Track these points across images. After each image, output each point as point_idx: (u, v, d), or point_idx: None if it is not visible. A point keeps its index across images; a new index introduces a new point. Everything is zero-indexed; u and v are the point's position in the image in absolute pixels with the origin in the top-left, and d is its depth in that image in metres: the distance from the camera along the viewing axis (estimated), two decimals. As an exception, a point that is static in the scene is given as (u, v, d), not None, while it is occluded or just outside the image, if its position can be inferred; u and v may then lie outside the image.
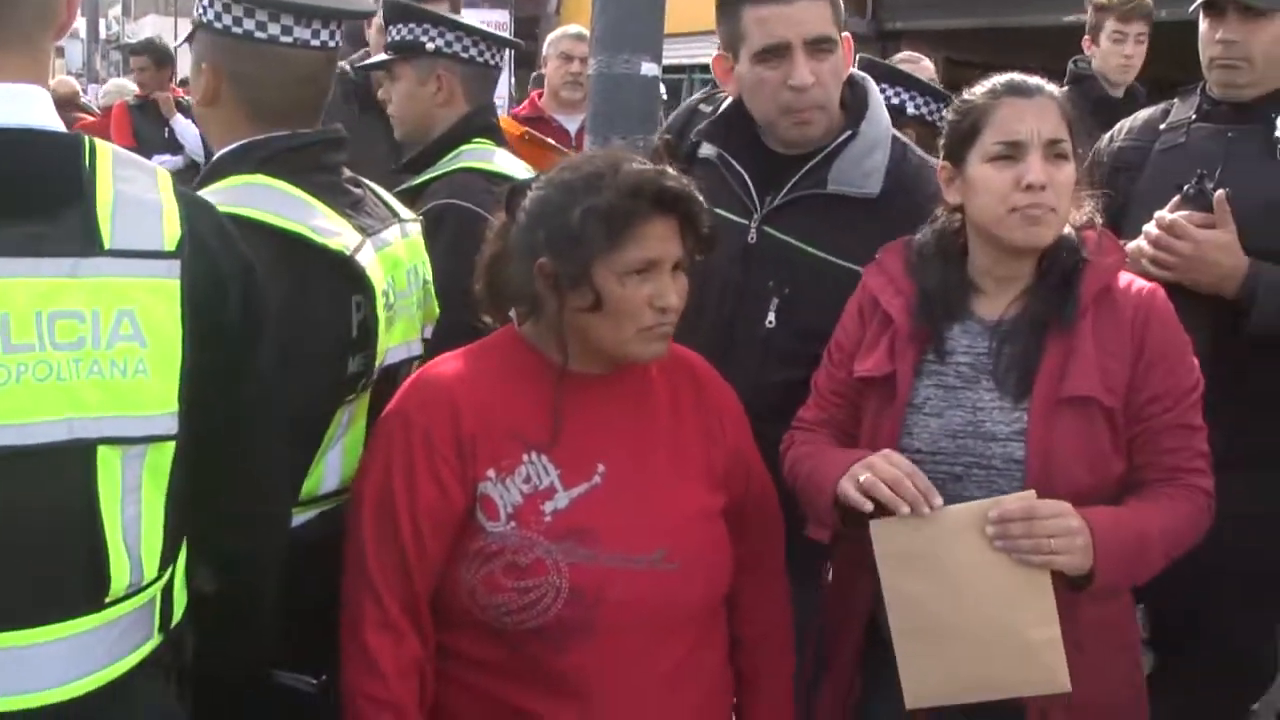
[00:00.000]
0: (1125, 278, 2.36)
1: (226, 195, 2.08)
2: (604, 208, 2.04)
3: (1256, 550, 2.96)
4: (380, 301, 2.25)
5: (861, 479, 2.18)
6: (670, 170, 2.14)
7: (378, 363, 2.29)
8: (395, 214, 2.46)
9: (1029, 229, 2.25)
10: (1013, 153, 2.25)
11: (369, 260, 2.24)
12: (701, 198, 2.14)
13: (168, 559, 1.82)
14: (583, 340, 2.13)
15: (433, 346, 2.44)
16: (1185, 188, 2.86)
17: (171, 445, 1.75)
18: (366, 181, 2.43)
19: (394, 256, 2.36)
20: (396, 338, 2.35)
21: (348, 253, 2.19)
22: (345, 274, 2.21)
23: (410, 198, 2.93)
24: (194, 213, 1.81)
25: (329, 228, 2.20)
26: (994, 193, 2.26)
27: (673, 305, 2.09)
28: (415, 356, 2.45)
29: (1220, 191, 2.81)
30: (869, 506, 2.17)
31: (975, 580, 2.16)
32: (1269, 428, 2.89)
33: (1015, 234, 2.26)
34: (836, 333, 2.48)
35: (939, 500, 2.16)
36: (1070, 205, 2.31)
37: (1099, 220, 2.40)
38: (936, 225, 2.43)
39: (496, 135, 3.27)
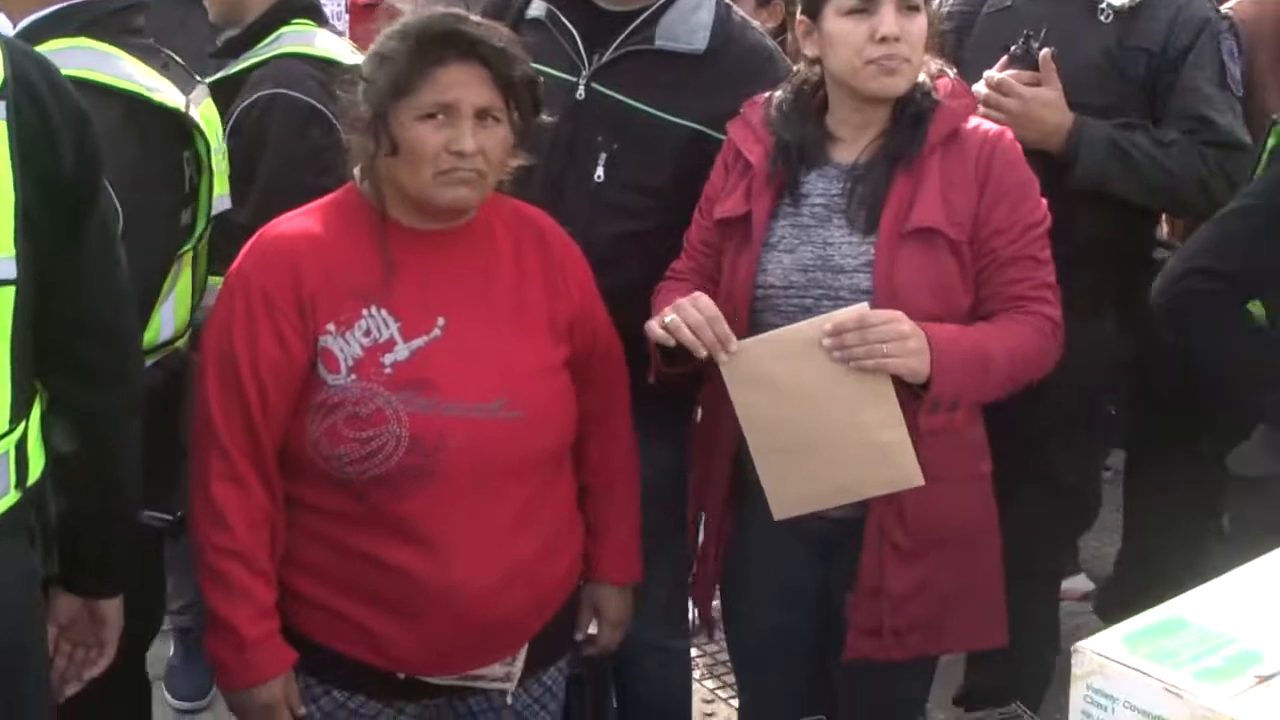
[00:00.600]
0: (974, 121, 2.44)
1: (55, 59, 2.02)
2: (393, 52, 2.09)
3: (1077, 391, 3.09)
4: (213, 157, 2.32)
5: (667, 320, 2.25)
6: (472, 17, 2.16)
7: (207, 215, 2.36)
8: (191, 75, 2.49)
9: (884, 79, 2.32)
10: (866, 6, 2.29)
11: (196, 117, 2.29)
12: (504, 44, 2.14)
13: (19, 412, 1.82)
14: (396, 188, 2.15)
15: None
16: (1012, 48, 2.95)
17: (11, 291, 1.76)
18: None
19: (207, 115, 2.42)
20: (216, 191, 2.43)
21: (182, 109, 2.24)
22: (179, 130, 2.27)
23: (232, 85, 2.90)
24: (19, 59, 1.80)
25: (158, 86, 2.23)
26: (850, 45, 2.31)
27: (467, 150, 2.09)
28: (227, 210, 2.53)
29: (1046, 50, 2.90)
30: (671, 342, 2.25)
31: (821, 393, 2.23)
32: (1094, 276, 3.00)
33: (871, 84, 2.33)
34: (706, 188, 2.54)
35: (735, 345, 2.24)
36: (923, 55, 2.37)
37: (951, 71, 2.48)
38: (795, 80, 2.48)
39: (317, 15, 3.19)
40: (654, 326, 2.27)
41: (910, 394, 2.26)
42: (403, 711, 2.26)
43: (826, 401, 2.24)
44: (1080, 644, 1.37)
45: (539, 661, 2.33)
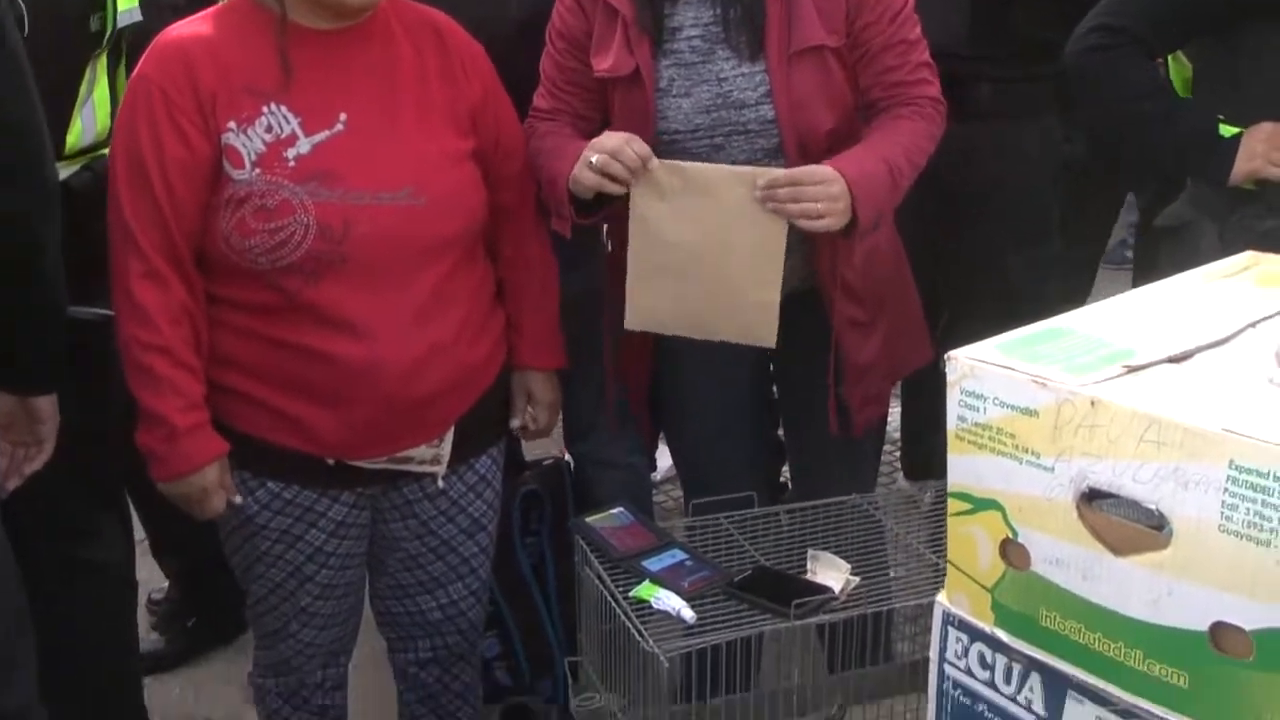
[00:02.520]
0: None
1: None
2: None
3: (1024, 194, 3.10)
4: None
5: (594, 159, 2.26)
6: None
7: (113, 22, 2.44)
8: None
9: None
10: None
11: None
12: None
13: None
14: None
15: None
16: None
17: None
18: None
19: None
20: (123, 4, 2.50)
21: None
22: None
23: None
24: None
25: None
26: None
27: None
28: (137, 22, 2.57)
29: None
30: (611, 187, 2.27)
31: (719, 233, 2.27)
32: (1033, 76, 2.99)
33: None
34: (554, 20, 2.49)
35: (655, 163, 2.27)
36: None
37: None
38: None
39: None
40: (584, 174, 2.27)
41: (840, 233, 2.30)
42: (338, 500, 2.31)
43: (720, 242, 2.28)
44: (953, 351, 1.39)
45: (468, 446, 2.38)
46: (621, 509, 2.21)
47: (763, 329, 2.32)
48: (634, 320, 2.39)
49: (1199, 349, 1.32)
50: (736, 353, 2.47)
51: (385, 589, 2.51)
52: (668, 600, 1.96)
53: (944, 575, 1.78)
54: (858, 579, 2.05)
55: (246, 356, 2.20)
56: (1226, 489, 1.11)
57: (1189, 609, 1.16)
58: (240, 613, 3.60)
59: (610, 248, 2.66)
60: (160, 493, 2.25)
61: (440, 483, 2.36)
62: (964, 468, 1.38)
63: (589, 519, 2.17)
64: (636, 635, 1.85)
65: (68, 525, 2.54)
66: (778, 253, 2.27)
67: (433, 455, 2.30)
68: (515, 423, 2.50)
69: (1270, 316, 1.40)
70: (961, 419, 1.37)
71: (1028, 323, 3.47)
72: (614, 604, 1.94)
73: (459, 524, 2.43)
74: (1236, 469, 1.10)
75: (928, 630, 2.75)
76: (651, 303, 2.36)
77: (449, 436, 2.31)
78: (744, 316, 2.32)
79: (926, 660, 2.29)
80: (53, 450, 2.23)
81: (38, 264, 2.10)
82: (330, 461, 2.25)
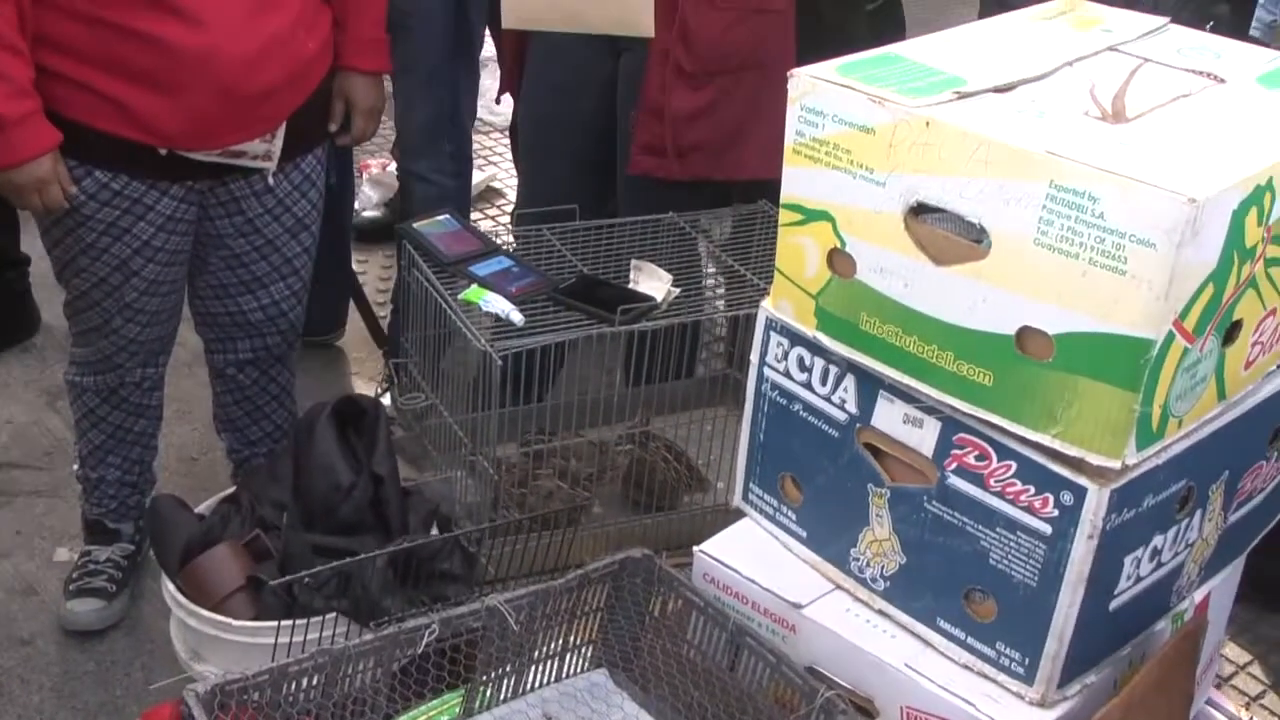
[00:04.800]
0: None
1: None
2: None
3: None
4: None
5: None
6: None
7: None
8: None
9: None
10: None
11: None
12: None
13: None
14: None
15: None
16: None
17: None
18: None
19: None
20: None
21: None
22: None
23: None
24: None
25: None
26: None
27: None
28: None
29: None
30: None
31: None
32: None
33: None
34: None
35: None
36: None
37: None
38: None
39: None
40: None
41: None
42: (167, 194, 2.28)
43: None
44: (795, 70, 1.46)
45: (297, 144, 2.36)
46: (448, 215, 2.23)
47: (640, 16, 2.30)
48: (510, 18, 2.37)
49: (1023, 81, 1.41)
50: (584, 77, 2.48)
51: (206, 288, 2.50)
52: (496, 303, 1.99)
53: (756, 293, 1.87)
54: (679, 290, 2.12)
55: (75, 40, 2.12)
56: (1045, 205, 1.21)
57: (1000, 314, 1.27)
58: (31, 315, 3.57)
59: None
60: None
61: (270, 180, 2.35)
62: (798, 180, 1.46)
63: (416, 224, 2.19)
64: (469, 335, 1.90)
65: None
66: None
67: (265, 150, 2.28)
68: (332, 126, 2.47)
69: (1085, 57, 1.50)
70: (800, 134, 1.45)
71: (888, 34, 3.58)
72: (444, 305, 1.97)
73: (284, 223, 2.43)
74: (1055, 188, 1.20)
75: (730, 349, 2.84)
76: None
77: (281, 132, 2.29)
78: (620, 8, 2.31)
79: (728, 375, 2.43)
80: None
81: None
82: (163, 152, 2.21)
